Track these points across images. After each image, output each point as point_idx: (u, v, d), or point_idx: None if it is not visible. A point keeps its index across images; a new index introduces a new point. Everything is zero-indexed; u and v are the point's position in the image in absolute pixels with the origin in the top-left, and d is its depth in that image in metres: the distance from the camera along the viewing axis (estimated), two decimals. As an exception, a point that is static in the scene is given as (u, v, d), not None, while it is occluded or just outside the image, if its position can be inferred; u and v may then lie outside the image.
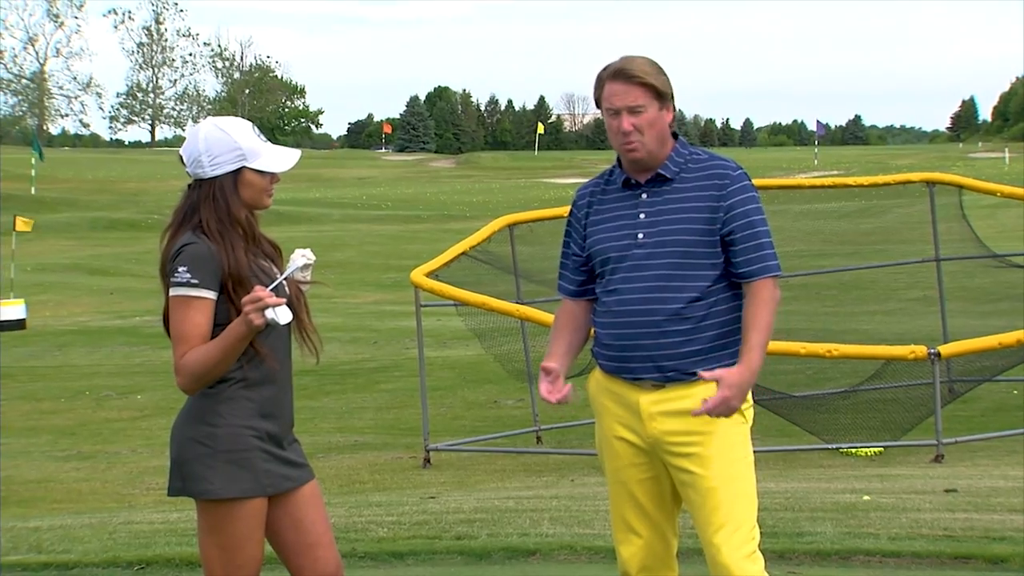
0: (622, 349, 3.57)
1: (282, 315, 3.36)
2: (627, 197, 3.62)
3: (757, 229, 3.50)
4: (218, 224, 3.48)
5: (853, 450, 10.56)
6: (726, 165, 3.57)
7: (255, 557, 3.51)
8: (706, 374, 3.42)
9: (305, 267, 3.61)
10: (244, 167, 3.52)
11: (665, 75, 3.56)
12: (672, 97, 3.57)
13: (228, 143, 3.51)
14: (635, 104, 3.52)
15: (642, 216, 3.57)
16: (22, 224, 25.89)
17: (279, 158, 3.57)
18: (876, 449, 10.59)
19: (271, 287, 3.42)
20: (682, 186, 3.55)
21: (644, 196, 3.59)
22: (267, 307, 3.32)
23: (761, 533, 3.60)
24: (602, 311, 3.65)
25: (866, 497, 7.26)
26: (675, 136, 3.63)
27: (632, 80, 3.51)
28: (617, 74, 3.54)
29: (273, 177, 3.58)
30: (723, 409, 3.39)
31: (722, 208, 3.50)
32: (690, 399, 3.50)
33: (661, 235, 3.53)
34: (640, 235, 3.56)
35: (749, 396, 3.58)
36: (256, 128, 3.61)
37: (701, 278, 3.50)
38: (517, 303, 11.69)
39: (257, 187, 3.54)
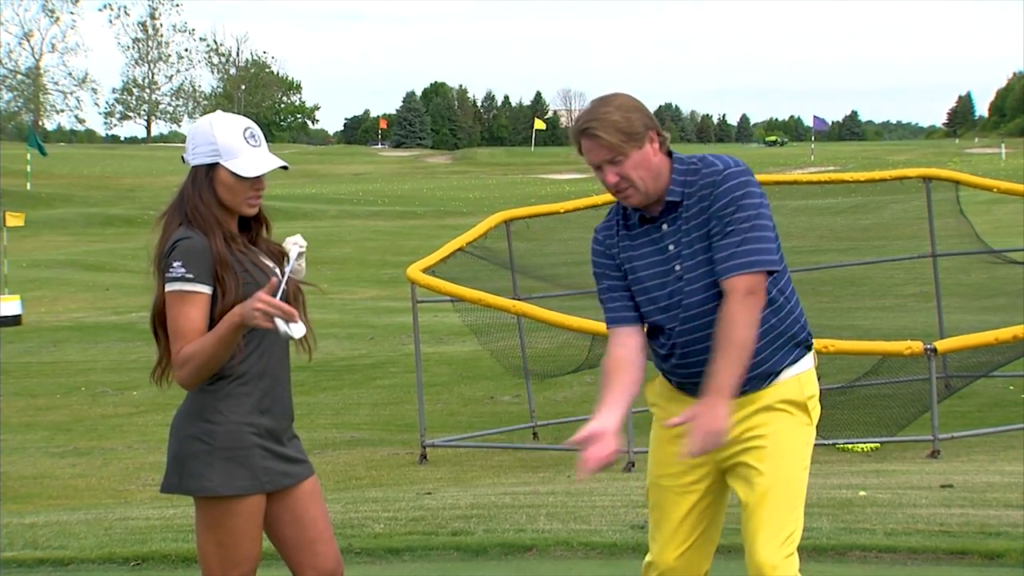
0: (688, 377, 3.50)
1: (296, 330, 3.33)
2: (650, 232, 3.53)
3: (740, 226, 3.38)
4: (195, 212, 3.47)
5: (849, 446, 10.57)
6: (713, 171, 3.45)
7: (253, 554, 3.51)
8: (675, 420, 3.33)
9: (300, 255, 3.61)
10: (219, 164, 3.50)
11: (635, 112, 3.43)
12: (652, 127, 3.44)
13: (207, 136, 3.50)
14: (610, 156, 3.43)
15: (671, 248, 3.48)
16: (13, 219, 25.88)
17: (252, 163, 3.50)
18: (872, 445, 10.61)
19: (280, 286, 3.39)
20: (690, 203, 3.46)
21: (665, 227, 3.50)
22: (278, 315, 3.30)
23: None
24: (659, 350, 3.57)
25: (862, 492, 7.26)
26: (669, 154, 3.52)
27: (596, 135, 3.42)
28: (583, 133, 3.45)
29: (255, 183, 3.51)
30: (709, 443, 3.27)
31: (710, 216, 3.43)
32: (761, 400, 3.47)
33: (692, 258, 3.45)
34: (676, 267, 3.48)
35: (815, 391, 3.54)
36: (253, 131, 3.53)
37: None
38: (514, 299, 11.69)
39: (232, 189, 3.49)
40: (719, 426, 3.26)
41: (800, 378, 3.52)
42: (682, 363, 3.52)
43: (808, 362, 3.56)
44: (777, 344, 3.48)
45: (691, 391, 3.51)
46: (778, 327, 3.50)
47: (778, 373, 3.50)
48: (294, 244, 3.60)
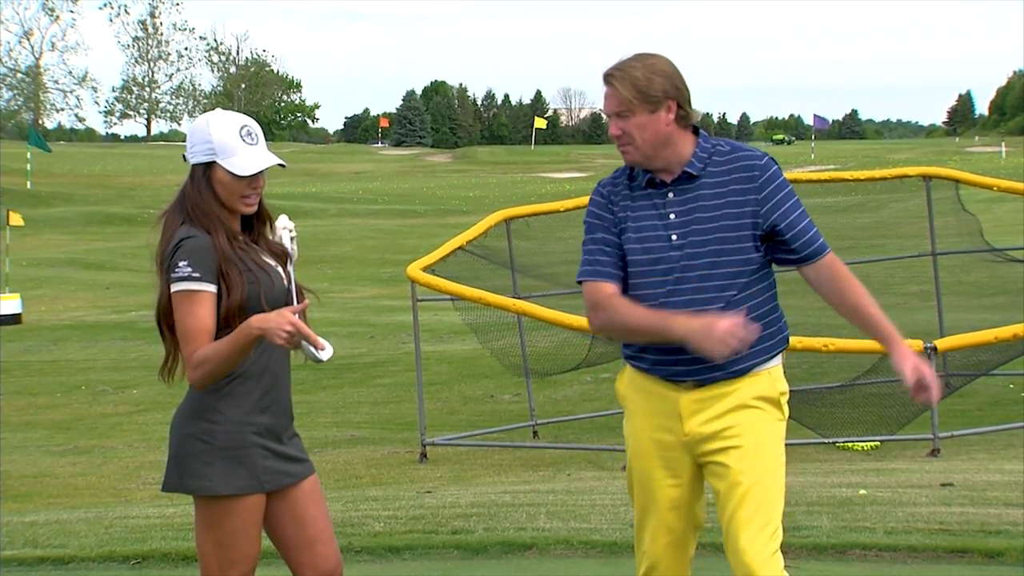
0: (663, 353, 3.47)
1: (324, 355, 3.36)
2: (652, 196, 3.50)
3: (800, 211, 3.47)
4: (196, 210, 3.47)
5: (849, 444, 10.57)
6: (751, 155, 3.49)
7: (251, 553, 3.51)
8: (909, 378, 3.40)
9: (292, 239, 3.62)
10: (215, 163, 3.50)
11: (660, 76, 3.43)
12: (673, 97, 3.44)
13: (203, 135, 3.49)
14: (618, 109, 3.44)
15: (672, 217, 3.46)
16: (16, 219, 25.93)
17: (248, 162, 3.49)
18: (872, 443, 10.60)
19: (291, 290, 3.39)
20: (709, 181, 3.45)
21: (671, 195, 3.48)
22: (304, 339, 3.30)
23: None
24: None
25: (862, 491, 7.27)
26: (696, 131, 3.52)
27: (613, 85, 3.44)
28: (605, 78, 3.48)
29: (252, 182, 3.51)
30: (937, 388, 3.41)
31: (758, 201, 3.43)
32: (735, 395, 3.47)
33: (695, 234, 3.43)
34: (674, 236, 3.45)
35: (787, 388, 3.59)
36: (250, 129, 3.53)
37: (739, 274, 3.43)
38: (514, 298, 11.69)
39: (228, 187, 3.49)
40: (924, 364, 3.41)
41: (772, 373, 3.55)
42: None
43: (779, 359, 3.59)
44: (764, 335, 3.49)
45: (663, 374, 3.50)
46: (770, 315, 3.53)
47: (755, 366, 3.50)
48: (283, 228, 3.61)
